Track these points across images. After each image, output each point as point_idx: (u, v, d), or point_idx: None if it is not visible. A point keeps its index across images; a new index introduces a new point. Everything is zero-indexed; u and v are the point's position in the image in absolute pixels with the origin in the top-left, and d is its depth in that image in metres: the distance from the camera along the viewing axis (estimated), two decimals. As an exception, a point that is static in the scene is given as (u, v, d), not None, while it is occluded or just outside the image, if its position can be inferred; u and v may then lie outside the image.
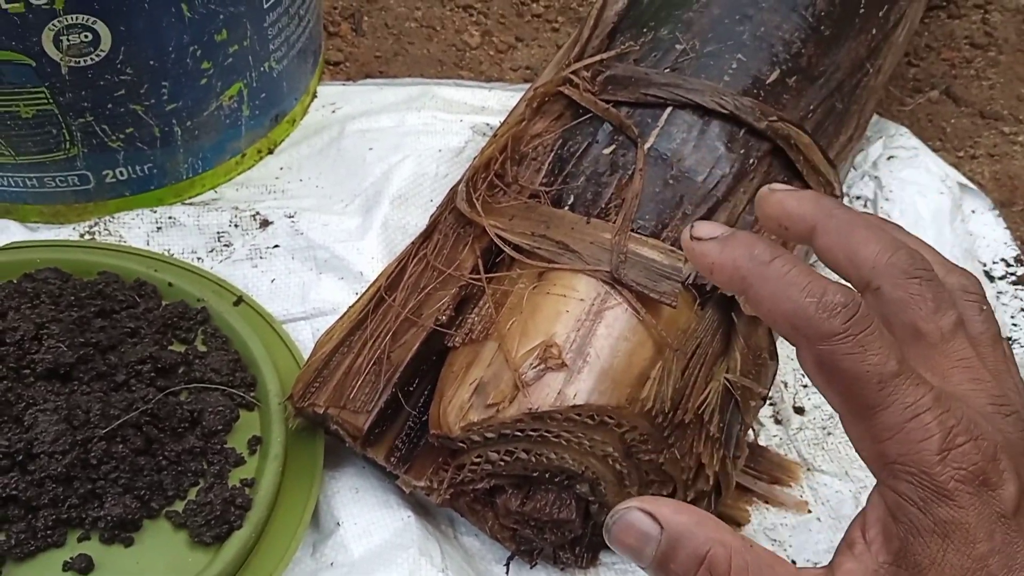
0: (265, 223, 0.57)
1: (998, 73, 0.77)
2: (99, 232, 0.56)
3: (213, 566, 0.41)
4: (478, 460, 0.43)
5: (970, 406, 0.27)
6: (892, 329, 0.28)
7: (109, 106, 0.52)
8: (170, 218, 0.57)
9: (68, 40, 0.48)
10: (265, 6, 0.55)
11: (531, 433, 0.42)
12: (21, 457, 0.41)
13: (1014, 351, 0.55)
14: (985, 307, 0.30)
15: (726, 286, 0.28)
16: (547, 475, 0.43)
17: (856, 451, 0.28)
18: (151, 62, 0.51)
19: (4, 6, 0.46)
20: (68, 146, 0.53)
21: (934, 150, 0.67)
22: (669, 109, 0.50)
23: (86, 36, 0.48)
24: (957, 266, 0.31)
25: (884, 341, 0.26)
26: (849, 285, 0.28)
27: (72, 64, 0.49)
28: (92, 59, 0.49)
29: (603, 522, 0.44)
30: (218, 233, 0.57)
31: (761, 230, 0.35)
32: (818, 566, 0.28)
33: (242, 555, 0.42)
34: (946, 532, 0.26)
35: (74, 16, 0.47)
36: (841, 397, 0.27)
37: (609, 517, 0.29)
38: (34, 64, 0.49)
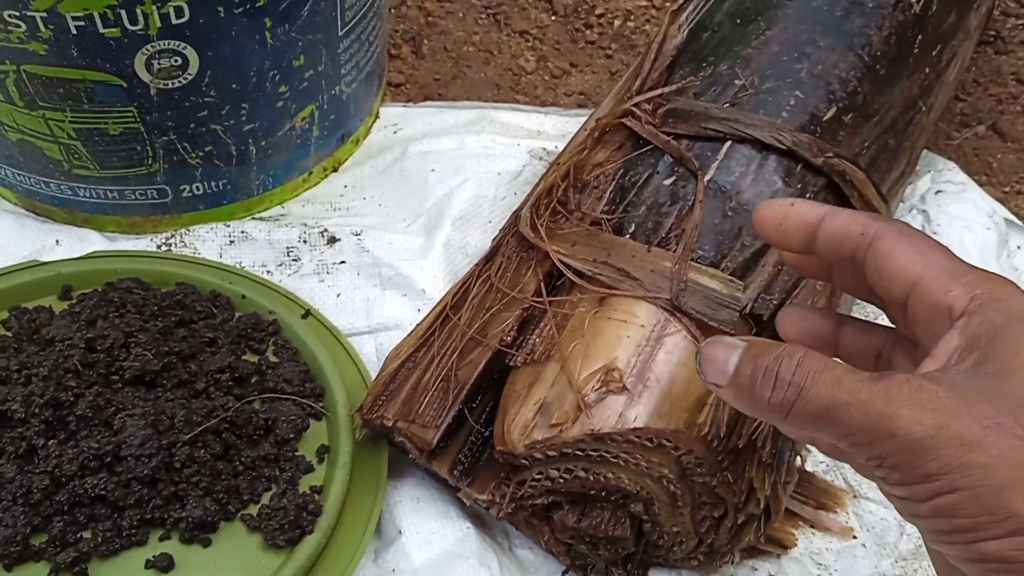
0: (333, 240, 0.60)
1: (1045, 110, 0.78)
2: (175, 244, 0.59)
3: (286, 568, 0.43)
4: (539, 477, 0.45)
5: None
6: None
7: (192, 125, 0.55)
8: (242, 232, 0.60)
9: (159, 63, 0.51)
10: (340, 34, 0.58)
11: (591, 453, 0.43)
12: (109, 459, 0.43)
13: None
14: None
15: None
16: (603, 493, 0.45)
17: None
18: (233, 85, 0.54)
19: (101, 30, 0.49)
20: (150, 162, 0.56)
21: (980, 184, 0.68)
22: (728, 143, 0.51)
23: (176, 60, 0.51)
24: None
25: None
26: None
27: (161, 86, 0.52)
28: (180, 82, 0.52)
29: (654, 541, 0.47)
30: (287, 248, 0.59)
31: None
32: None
33: (313, 559, 0.44)
34: None
35: (166, 42, 0.50)
36: None
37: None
38: (125, 85, 0.51)
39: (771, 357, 0.29)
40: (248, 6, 0.50)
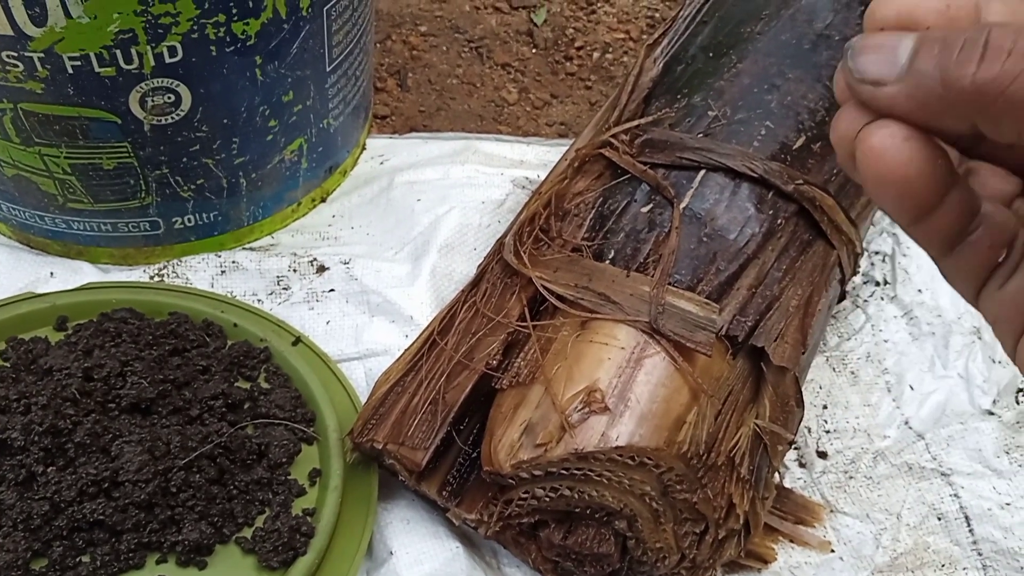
0: (322, 268, 0.61)
1: (1009, 135, 0.81)
2: (167, 275, 0.60)
3: (280, 589, 0.44)
4: (525, 496, 0.46)
5: None
6: None
7: (184, 160, 0.56)
8: (233, 262, 0.61)
9: (153, 101, 0.52)
10: (327, 69, 0.60)
11: (575, 472, 0.45)
12: (107, 485, 0.45)
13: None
14: None
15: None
16: (588, 511, 0.47)
17: None
18: (224, 120, 0.56)
19: (97, 69, 0.50)
20: (143, 195, 0.58)
21: (948, 208, 0.70)
22: (703, 172, 0.54)
23: (169, 97, 0.53)
24: None
25: None
26: None
27: (154, 122, 0.53)
28: (172, 118, 0.54)
29: (639, 557, 0.48)
30: (278, 277, 0.61)
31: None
32: None
33: (306, 580, 0.46)
34: None
35: (160, 80, 0.52)
36: None
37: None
38: (120, 121, 0.53)
39: (971, 31, 0.21)
40: (239, 45, 0.52)
